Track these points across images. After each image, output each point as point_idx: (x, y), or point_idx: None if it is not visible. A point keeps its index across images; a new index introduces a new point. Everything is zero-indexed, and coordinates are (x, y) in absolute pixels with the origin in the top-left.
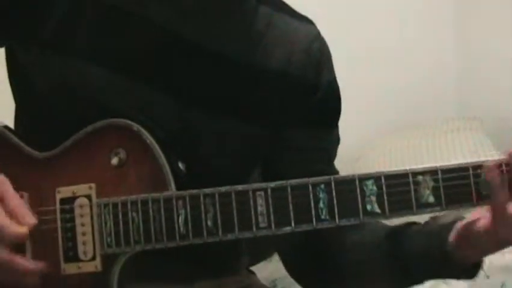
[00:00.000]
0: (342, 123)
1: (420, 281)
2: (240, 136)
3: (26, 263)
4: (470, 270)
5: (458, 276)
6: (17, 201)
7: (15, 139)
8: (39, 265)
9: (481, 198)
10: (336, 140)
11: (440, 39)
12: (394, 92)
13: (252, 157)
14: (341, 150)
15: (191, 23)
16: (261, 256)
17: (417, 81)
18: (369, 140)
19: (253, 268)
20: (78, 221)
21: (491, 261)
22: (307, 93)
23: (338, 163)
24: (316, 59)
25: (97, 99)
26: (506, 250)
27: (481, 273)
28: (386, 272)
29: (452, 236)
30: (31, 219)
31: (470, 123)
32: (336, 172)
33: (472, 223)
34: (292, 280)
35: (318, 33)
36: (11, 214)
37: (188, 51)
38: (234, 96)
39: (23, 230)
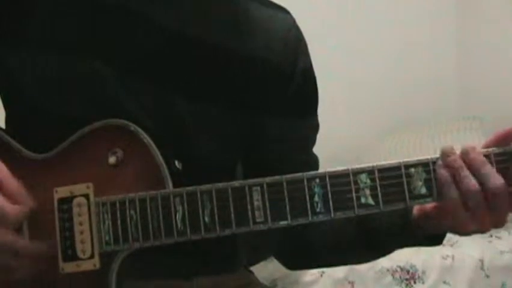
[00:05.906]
0: (342, 124)
1: (388, 249)
2: (227, 123)
3: (28, 244)
4: (435, 238)
5: (423, 243)
6: (15, 185)
7: (12, 141)
8: (40, 248)
9: None
10: (315, 127)
11: (440, 39)
12: (394, 93)
13: (239, 144)
14: (341, 150)
15: (172, 11)
16: (261, 256)
17: (418, 82)
18: (369, 140)
19: (253, 268)
20: (76, 220)
21: (491, 261)
22: (284, 80)
23: (337, 163)
24: (293, 47)
25: (85, 91)
26: (506, 250)
27: (481, 273)
28: (354, 242)
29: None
30: (30, 201)
31: (470, 123)
32: (316, 159)
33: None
34: (292, 280)
35: (294, 21)
36: (10, 197)
37: (169, 38)
38: (219, 82)
39: (23, 210)
